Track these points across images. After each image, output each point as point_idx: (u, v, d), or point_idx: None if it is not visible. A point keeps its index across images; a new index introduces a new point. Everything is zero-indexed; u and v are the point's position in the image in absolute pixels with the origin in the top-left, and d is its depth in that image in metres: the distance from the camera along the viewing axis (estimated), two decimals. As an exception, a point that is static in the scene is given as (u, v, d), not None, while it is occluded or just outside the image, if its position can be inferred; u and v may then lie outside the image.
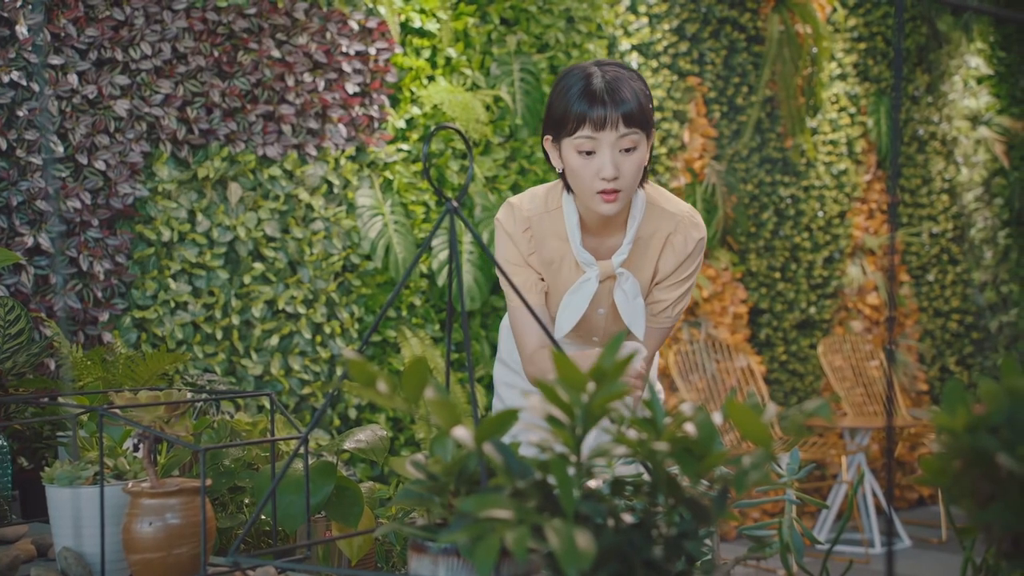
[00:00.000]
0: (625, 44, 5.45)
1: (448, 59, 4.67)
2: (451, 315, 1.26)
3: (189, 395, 1.89)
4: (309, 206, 4.22)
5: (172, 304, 3.83)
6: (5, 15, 3.38)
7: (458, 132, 1.21)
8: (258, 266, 4.04)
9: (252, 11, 3.99)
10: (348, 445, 1.73)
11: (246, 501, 1.85)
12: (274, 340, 4.09)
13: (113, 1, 3.66)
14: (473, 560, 0.92)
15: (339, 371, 4.27)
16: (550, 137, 2.19)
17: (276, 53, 4.06)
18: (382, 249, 4.35)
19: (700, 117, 5.83)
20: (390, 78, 4.42)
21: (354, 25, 4.29)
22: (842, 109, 6.57)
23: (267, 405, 3.98)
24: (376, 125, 4.41)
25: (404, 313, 4.50)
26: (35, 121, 3.44)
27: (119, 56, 3.66)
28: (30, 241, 3.41)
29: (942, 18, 6.99)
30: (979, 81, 7.27)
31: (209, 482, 1.73)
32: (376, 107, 4.39)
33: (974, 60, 7.23)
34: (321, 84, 4.18)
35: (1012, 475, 0.91)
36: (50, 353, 3.24)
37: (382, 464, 4.25)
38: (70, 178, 3.55)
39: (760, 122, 6.12)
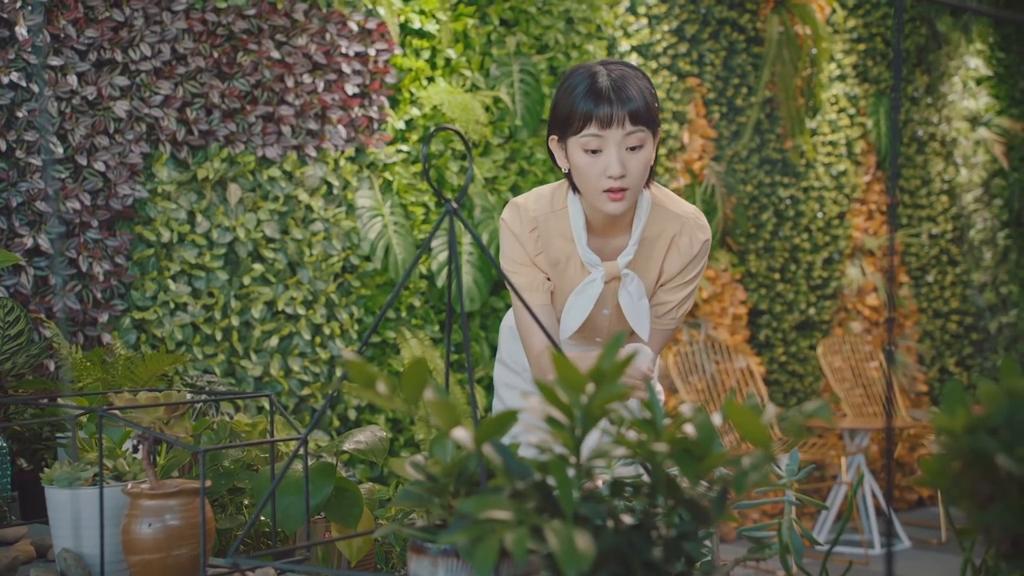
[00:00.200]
0: (625, 45, 5.45)
1: (448, 60, 4.67)
2: (451, 316, 1.26)
3: (188, 396, 1.89)
4: (309, 207, 4.22)
5: (172, 305, 3.83)
6: (5, 16, 3.38)
7: (457, 133, 1.21)
8: (258, 267, 4.04)
9: (251, 12, 3.99)
10: (347, 446, 1.73)
11: (245, 502, 1.85)
12: (273, 341, 4.09)
13: (113, 2, 3.67)
14: (473, 561, 0.92)
15: (339, 372, 4.27)
16: (555, 137, 2.18)
17: (275, 54, 4.06)
18: (382, 250, 4.35)
19: (699, 118, 5.83)
20: (390, 79, 4.42)
21: (353, 26, 4.29)
22: (841, 110, 6.57)
23: (266, 406, 3.98)
24: (376, 126, 4.41)
25: (404, 314, 4.50)
26: (35, 122, 3.44)
27: (119, 57, 3.66)
28: (30, 242, 3.41)
29: (941, 19, 6.99)
30: (978, 82, 7.27)
31: (208, 483, 1.73)
32: (376, 108, 4.39)
33: (973, 61, 7.24)
34: (321, 85, 4.18)
35: (1011, 476, 0.91)
36: (49, 354, 3.24)
37: (382, 465, 4.25)
38: (69, 179, 3.55)
39: (759, 123, 6.12)
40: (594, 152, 2.11)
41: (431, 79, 4.60)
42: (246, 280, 4.02)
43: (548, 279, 2.28)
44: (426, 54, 4.58)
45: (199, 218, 3.90)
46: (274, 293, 4.10)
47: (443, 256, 4.56)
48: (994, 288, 7.26)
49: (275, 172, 4.09)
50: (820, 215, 6.42)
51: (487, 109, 4.74)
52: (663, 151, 5.63)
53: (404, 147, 4.50)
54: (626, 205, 2.13)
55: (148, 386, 2.55)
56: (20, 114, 3.41)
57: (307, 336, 4.17)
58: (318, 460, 1.69)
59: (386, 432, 1.80)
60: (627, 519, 1.03)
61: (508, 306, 4.54)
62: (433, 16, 4.59)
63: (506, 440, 1.08)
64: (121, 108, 3.65)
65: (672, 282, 2.28)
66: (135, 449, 1.89)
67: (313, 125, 4.19)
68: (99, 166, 3.60)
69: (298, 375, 4.15)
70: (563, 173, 2.22)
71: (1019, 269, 7.28)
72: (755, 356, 6.02)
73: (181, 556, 1.55)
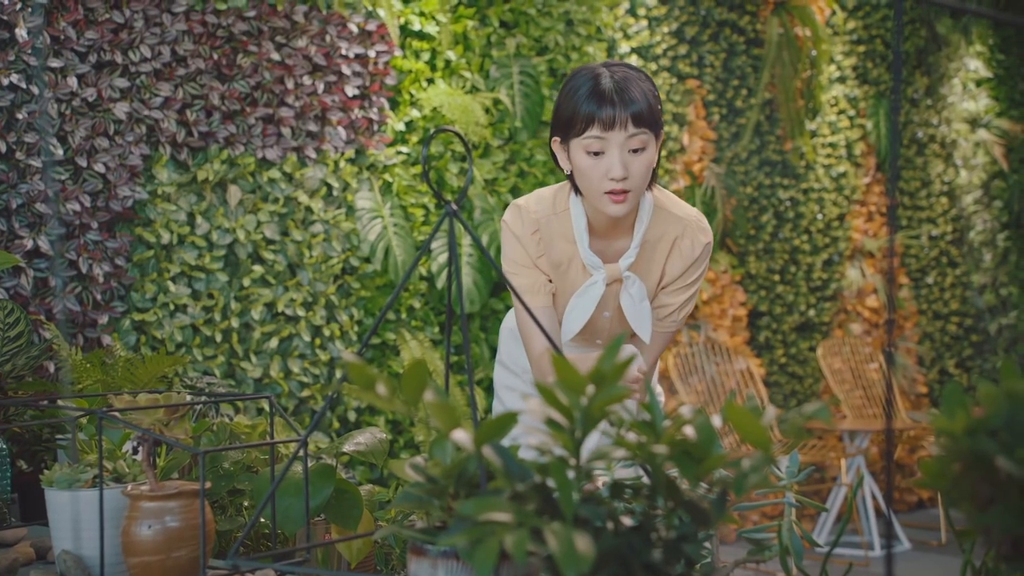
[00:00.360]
0: (624, 47, 5.45)
1: (447, 62, 4.67)
2: (450, 318, 1.26)
3: (188, 398, 1.89)
4: (308, 209, 4.22)
5: (171, 307, 3.83)
6: (5, 18, 3.39)
7: (457, 135, 1.21)
8: (257, 268, 4.04)
9: (252, 14, 3.99)
10: (347, 448, 1.73)
11: (245, 504, 1.85)
12: (273, 343, 4.09)
13: (113, 4, 3.67)
14: (472, 563, 0.92)
15: (338, 374, 4.27)
16: (558, 139, 2.18)
17: (275, 56, 4.06)
18: (381, 252, 4.35)
19: (699, 120, 5.83)
20: (389, 81, 4.42)
21: (353, 28, 4.29)
22: (841, 112, 6.57)
23: (266, 408, 3.98)
24: (375, 128, 4.41)
25: (403, 316, 4.50)
26: (35, 124, 3.44)
27: (119, 59, 3.66)
28: (29, 244, 3.41)
29: (941, 21, 7.00)
30: (978, 84, 7.28)
31: (208, 485, 1.73)
32: (375, 110, 4.39)
33: (973, 63, 7.24)
34: (320, 87, 4.18)
35: (1011, 478, 0.91)
36: (49, 356, 3.24)
37: (381, 467, 4.25)
38: (69, 181, 3.55)
39: (759, 125, 6.12)
40: (596, 154, 2.11)
41: (431, 81, 4.60)
42: (246, 282, 4.02)
43: (550, 281, 2.28)
44: (426, 56, 4.58)
45: (199, 220, 3.90)
46: (274, 295, 4.10)
47: (443, 258, 4.56)
48: (994, 290, 7.26)
49: (275, 174, 4.09)
50: (820, 217, 6.42)
51: (487, 111, 4.74)
52: (663, 153, 5.63)
53: (404, 149, 4.50)
54: (628, 207, 2.13)
55: (148, 388, 2.55)
56: (20, 116, 3.41)
57: (307, 338, 4.18)
58: (318, 462, 1.69)
59: (386, 434, 1.80)
60: (627, 521, 1.03)
61: (508, 308, 4.55)
62: (433, 18, 4.59)
63: (506, 442, 1.08)
64: (121, 110, 3.66)
65: (673, 285, 2.28)
66: (135, 451, 1.89)
67: (313, 127, 4.19)
68: (99, 168, 3.60)
69: (298, 377, 4.15)
70: (565, 175, 2.22)
71: (1019, 271, 7.28)
72: (755, 358, 6.02)
73: (181, 558, 1.55)
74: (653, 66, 5.61)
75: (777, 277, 6.20)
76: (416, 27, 4.53)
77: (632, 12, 5.52)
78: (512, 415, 1.02)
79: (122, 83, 3.66)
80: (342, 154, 4.30)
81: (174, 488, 1.58)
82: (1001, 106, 7.29)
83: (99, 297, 3.62)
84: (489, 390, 4.51)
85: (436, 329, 4.56)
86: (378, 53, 4.38)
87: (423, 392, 1.07)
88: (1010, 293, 7.27)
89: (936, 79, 7.04)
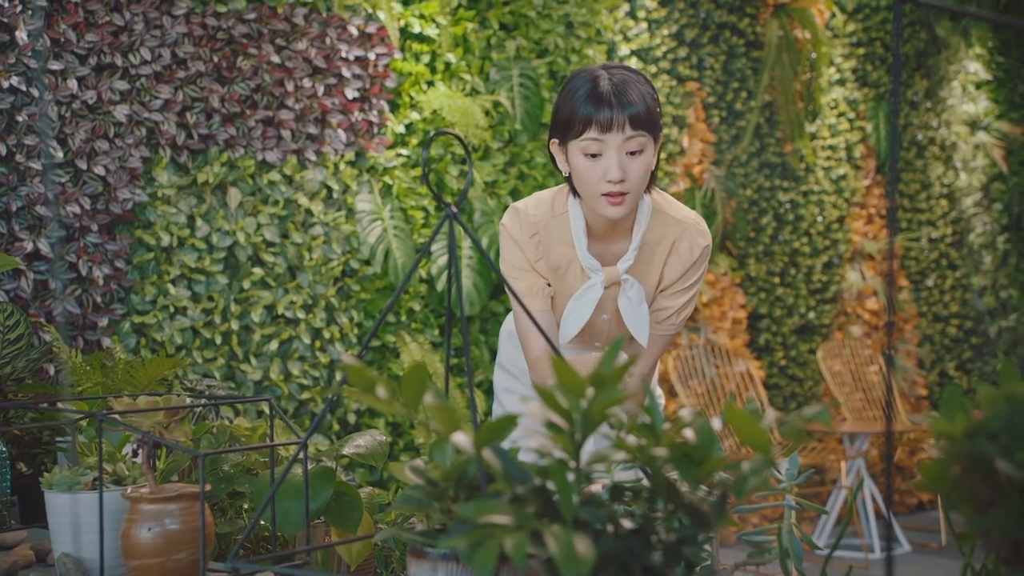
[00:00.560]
0: (624, 49, 5.45)
1: (447, 64, 4.68)
2: (450, 320, 1.26)
3: (188, 400, 1.89)
4: (308, 211, 4.22)
5: (171, 309, 3.83)
6: (5, 20, 3.39)
7: (457, 137, 1.21)
8: (257, 271, 4.04)
9: (252, 16, 4.00)
10: (347, 450, 1.73)
11: (245, 506, 1.85)
12: (273, 345, 4.09)
13: (113, 6, 3.67)
14: (472, 566, 0.92)
15: (338, 376, 4.27)
16: (556, 140, 2.18)
17: (275, 58, 4.06)
18: (381, 254, 4.35)
19: (699, 122, 5.83)
20: (389, 83, 4.42)
21: (353, 30, 4.29)
22: (841, 114, 6.57)
23: (266, 410, 3.98)
24: (375, 130, 4.41)
25: (403, 318, 4.50)
26: (35, 126, 3.44)
27: (119, 61, 3.66)
28: (29, 246, 3.41)
29: (941, 24, 7.00)
30: (978, 86, 7.28)
31: (208, 487, 1.73)
32: (375, 112, 4.40)
33: (973, 65, 7.24)
34: (320, 89, 4.19)
35: (1011, 481, 0.91)
36: (49, 358, 3.24)
37: (381, 469, 4.25)
38: (69, 183, 3.55)
39: (759, 127, 6.12)
40: (594, 156, 2.11)
41: (431, 83, 4.60)
42: (246, 284, 4.02)
43: (548, 284, 2.28)
44: (426, 58, 4.58)
45: (199, 222, 3.91)
46: (274, 297, 4.10)
47: (443, 260, 4.56)
48: (994, 292, 7.26)
49: (275, 176, 4.09)
50: (820, 219, 6.42)
51: (487, 113, 4.75)
52: (663, 155, 5.63)
53: (404, 151, 4.51)
54: (625, 210, 2.13)
55: (148, 390, 2.55)
56: (20, 118, 3.41)
57: (307, 340, 4.18)
58: (318, 464, 1.68)
59: (386, 436, 1.80)
60: (627, 523, 1.03)
61: (508, 310, 4.55)
62: (433, 20, 4.59)
63: (506, 444, 1.08)
64: (121, 112, 3.66)
65: (672, 288, 2.28)
66: (135, 453, 1.89)
67: (313, 129, 4.19)
68: (99, 170, 3.60)
69: (298, 379, 4.15)
70: (563, 177, 2.22)
71: (1019, 273, 7.29)
72: (755, 360, 6.02)
73: (181, 560, 1.55)
74: (653, 68, 5.62)
75: (777, 279, 6.20)
76: (416, 30, 4.53)
77: (632, 15, 5.53)
78: (512, 418, 1.02)
79: (122, 85, 3.66)
80: (342, 156, 4.30)
81: (174, 491, 1.58)
82: (1001, 108, 7.29)
83: (99, 300, 3.62)
84: (489, 392, 4.51)
85: (436, 331, 4.56)
86: (378, 56, 4.39)
87: (423, 394, 1.07)
88: (1010, 296, 7.27)
89: (936, 82, 7.04)
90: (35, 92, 3.44)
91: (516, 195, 4.78)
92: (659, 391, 2.50)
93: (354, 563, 1.69)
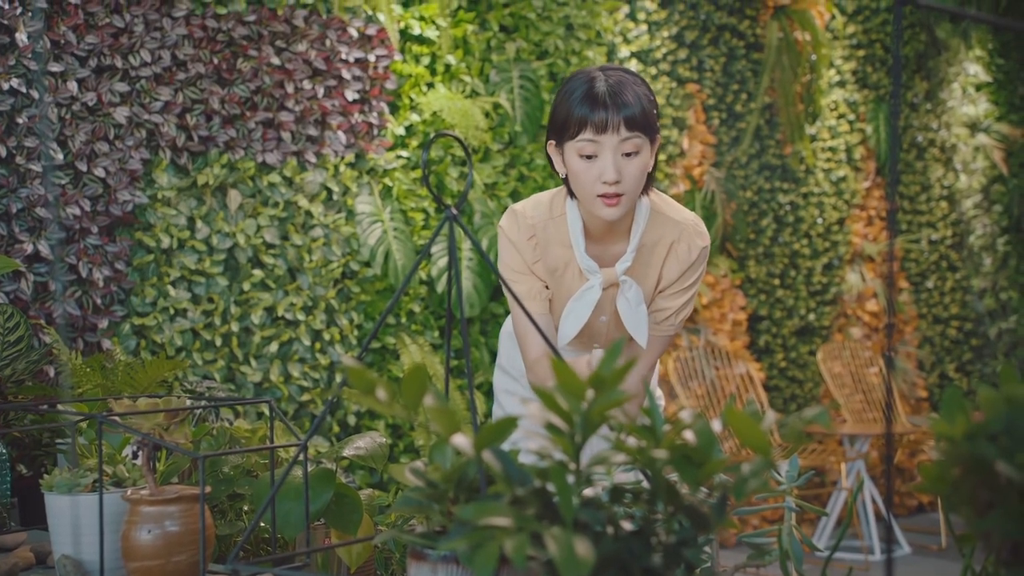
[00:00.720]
0: (624, 51, 5.45)
1: (447, 66, 4.68)
2: (450, 322, 1.26)
3: (188, 402, 1.89)
4: (308, 213, 4.22)
5: (171, 311, 3.83)
6: (5, 22, 3.39)
7: (457, 139, 1.21)
8: (257, 273, 4.04)
9: (252, 18, 4.00)
10: (347, 452, 1.73)
11: (245, 508, 1.85)
12: (273, 347, 4.09)
13: (113, 8, 3.67)
14: (472, 568, 0.92)
15: (338, 378, 4.27)
16: (553, 142, 2.19)
17: (275, 60, 4.07)
18: (381, 256, 4.35)
19: (699, 124, 5.84)
20: (389, 85, 4.42)
21: (353, 32, 4.30)
22: (841, 116, 6.57)
23: (266, 412, 3.98)
24: (375, 132, 4.42)
25: (403, 320, 4.50)
26: (35, 128, 3.45)
27: (119, 63, 3.66)
28: (29, 248, 3.41)
29: (941, 25, 7.00)
30: (978, 88, 7.28)
31: (208, 489, 1.73)
32: (375, 114, 4.40)
33: (973, 67, 7.25)
34: (320, 91, 4.19)
35: (1011, 483, 0.91)
36: (49, 360, 3.24)
37: (381, 471, 4.25)
38: (70, 185, 3.55)
39: (759, 129, 6.13)
40: (590, 157, 2.11)
41: (431, 85, 4.61)
42: (246, 286, 4.02)
43: (546, 287, 2.28)
44: (426, 60, 4.58)
45: (199, 224, 3.91)
46: (274, 299, 4.10)
47: (443, 262, 4.56)
48: (994, 294, 7.26)
49: (275, 178, 4.09)
50: (820, 221, 6.42)
51: (487, 115, 4.75)
52: (663, 157, 5.63)
53: (404, 153, 4.51)
54: (621, 211, 2.13)
55: (148, 392, 2.55)
56: (20, 120, 3.41)
57: (307, 342, 4.18)
58: (318, 466, 1.68)
59: (386, 438, 1.80)
60: (627, 525, 1.03)
61: (508, 312, 4.55)
62: (433, 22, 4.60)
63: (506, 446, 1.08)
64: (121, 114, 3.66)
65: (670, 288, 2.28)
66: (135, 455, 1.89)
67: (313, 131, 4.19)
68: (99, 172, 3.60)
69: (298, 381, 4.15)
70: (560, 178, 2.22)
71: (1019, 275, 7.29)
72: (755, 362, 6.02)
73: (181, 562, 1.55)
74: (653, 70, 5.62)
75: (777, 281, 6.20)
76: (416, 31, 4.53)
77: (632, 16, 5.53)
78: (512, 420, 1.02)
79: (122, 87, 3.67)
80: (342, 158, 4.30)
81: (174, 492, 1.58)
82: (1001, 110, 7.29)
83: (99, 301, 3.62)
84: (489, 394, 4.51)
85: (436, 333, 4.56)
86: (378, 57, 4.39)
87: (423, 396, 1.07)
88: (1010, 297, 7.27)
89: (936, 83, 7.04)
90: (35, 94, 3.45)
91: (516, 197, 4.78)
92: (659, 393, 2.50)
93: (354, 565, 1.69)
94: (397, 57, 4.46)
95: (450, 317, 1.25)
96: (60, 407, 2.32)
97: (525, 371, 2.38)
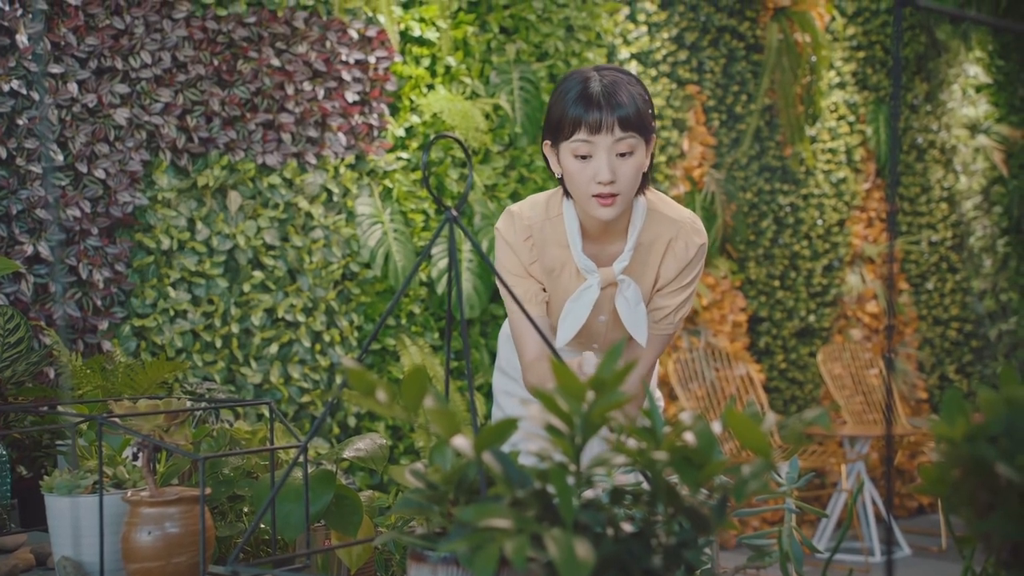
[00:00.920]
0: (624, 53, 5.46)
1: (447, 68, 4.68)
2: (450, 323, 1.26)
3: (188, 404, 1.89)
4: (308, 214, 4.22)
5: (171, 312, 3.83)
6: (5, 24, 3.39)
7: (457, 141, 1.21)
8: (257, 274, 4.04)
9: (252, 20, 4.00)
10: (347, 454, 1.73)
11: (245, 510, 1.85)
12: (273, 348, 4.09)
13: (113, 10, 3.67)
14: (472, 569, 0.92)
15: (338, 379, 4.27)
16: (549, 142, 2.19)
17: (276, 62, 4.07)
18: (381, 257, 4.35)
19: (699, 125, 5.84)
20: (390, 87, 4.42)
21: (354, 34, 4.30)
22: (841, 117, 6.57)
23: (266, 413, 3.98)
24: (376, 133, 4.42)
25: (403, 321, 4.50)
26: (35, 130, 3.45)
27: (119, 65, 3.67)
28: (30, 250, 3.41)
29: (941, 27, 7.01)
30: (978, 90, 7.28)
31: (208, 491, 1.73)
32: (376, 116, 4.40)
33: (973, 69, 7.25)
34: (321, 93, 4.19)
35: (1011, 484, 0.91)
36: (49, 362, 3.24)
37: (381, 473, 4.25)
38: (70, 187, 3.55)
39: (759, 130, 6.13)
40: (584, 157, 2.12)
41: (431, 86, 4.61)
42: (246, 287, 4.02)
43: (543, 289, 2.28)
44: (426, 62, 4.59)
45: (199, 225, 3.91)
46: (274, 300, 4.10)
47: (443, 263, 4.56)
48: (994, 295, 7.26)
49: (275, 179, 4.09)
50: (820, 222, 6.42)
51: (487, 116, 4.75)
52: (663, 158, 5.63)
53: (404, 154, 4.51)
54: (616, 211, 2.13)
55: (148, 394, 2.55)
56: (20, 122, 3.41)
57: (307, 343, 4.17)
58: (318, 467, 1.68)
59: (386, 440, 1.80)
60: (627, 527, 1.03)
61: (507, 314, 4.54)
62: (433, 24, 4.60)
63: (506, 448, 1.08)
64: (121, 115, 3.66)
65: (669, 287, 2.27)
66: (135, 457, 1.89)
67: (313, 132, 4.19)
68: (99, 173, 3.60)
69: (298, 382, 4.15)
70: (556, 179, 2.22)
71: (1019, 276, 7.29)
72: (755, 363, 6.02)
73: (181, 564, 1.55)
74: (653, 72, 5.62)
75: (777, 283, 6.20)
76: (416, 33, 4.53)
77: (632, 18, 5.53)
78: (512, 421, 1.02)
79: (122, 89, 3.67)
80: (342, 160, 4.30)
81: (174, 494, 1.58)
82: (1001, 112, 7.30)
83: (99, 303, 3.62)
84: (489, 396, 4.51)
85: (436, 335, 4.56)
86: (378, 59, 4.39)
87: (423, 398, 1.07)
88: (1010, 299, 7.27)
89: (936, 85, 7.04)
90: (35, 96, 3.45)
91: (516, 198, 4.78)
92: (659, 394, 2.50)
93: (354, 566, 1.69)
94: (397, 59, 4.46)
95: (450, 319, 1.25)
96: (60, 408, 2.32)
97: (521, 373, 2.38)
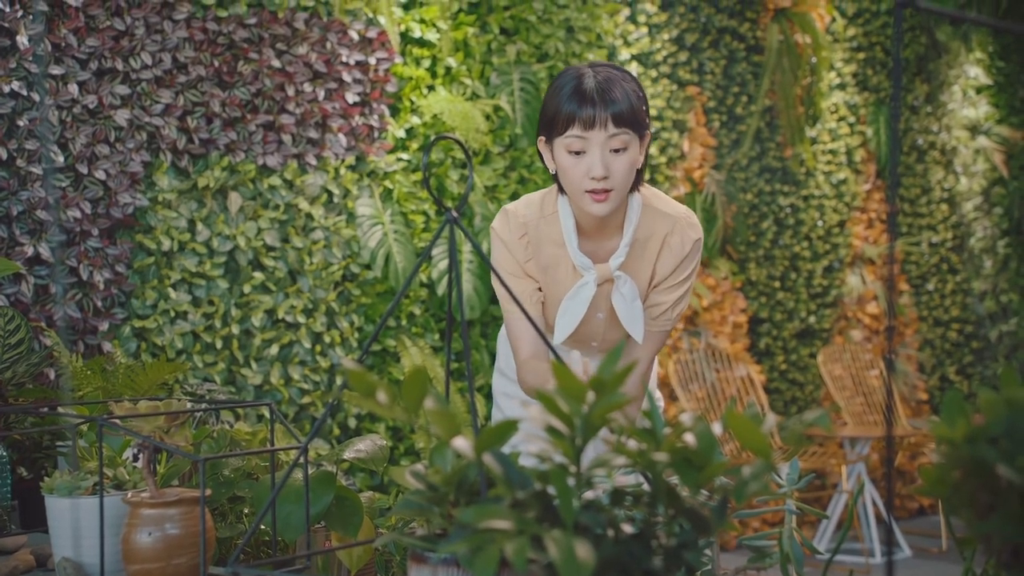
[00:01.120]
0: (625, 54, 5.46)
1: (448, 69, 4.68)
2: (451, 324, 1.26)
3: (189, 405, 1.89)
4: (309, 215, 4.22)
5: (172, 314, 3.83)
6: (6, 25, 3.39)
7: (458, 142, 1.21)
8: (258, 275, 4.05)
9: (252, 21, 4.00)
10: (348, 455, 1.73)
11: (245, 511, 1.85)
12: (274, 349, 4.09)
13: (114, 11, 3.67)
14: (473, 571, 0.92)
15: (339, 381, 4.26)
16: (543, 138, 2.20)
17: (276, 63, 4.07)
18: (382, 258, 4.35)
19: (700, 127, 5.84)
20: (390, 88, 4.43)
21: (354, 35, 4.30)
22: (841, 119, 6.57)
23: (267, 415, 3.98)
24: (376, 135, 4.42)
25: (404, 322, 4.50)
26: (35, 131, 3.45)
27: (119, 66, 3.67)
28: (30, 251, 3.41)
29: (941, 28, 7.01)
30: (978, 91, 7.28)
31: (209, 492, 1.73)
32: (376, 117, 4.40)
33: (973, 70, 7.25)
34: (321, 94, 4.19)
35: (1011, 486, 0.91)
36: (50, 363, 3.24)
37: (382, 474, 4.25)
38: (70, 188, 3.55)
39: (759, 131, 6.13)
40: (578, 153, 2.12)
41: (431, 88, 4.61)
42: (246, 288, 4.02)
43: (539, 289, 2.28)
44: (426, 63, 4.59)
45: (199, 226, 3.91)
46: (274, 301, 4.10)
47: (443, 264, 4.56)
48: (994, 296, 7.26)
49: (275, 181, 4.09)
50: (820, 223, 6.42)
51: (487, 118, 4.75)
52: (663, 159, 5.63)
53: (404, 156, 4.51)
54: (610, 207, 2.14)
55: (148, 395, 2.55)
56: (21, 123, 3.41)
57: (307, 344, 4.17)
58: (318, 469, 1.68)
59: (386, 441, 1.80)
60: (627, 528, 1.03)
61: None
62: (433, 25, 4.60)
63: (506, 449, 1.08)
64: (122, 117, 3.66)
65: (665, 283, 2.28)
66: (135, 458, 1.89)
67: (313, 134, 4.19)
68: (100, 175, 3.60)
69: (298, 384, 4.15)
70: (551, 175, 2.23)
71: (1019, 277, 7.28)
72: (755, 364, 6.02)
73: (181, 565, 1.55)
74: (653, 73, 5.62)
75: (777, 284, 6.20)
76: (417, 34, 4.53)
77: (632, 19, 5.53)
78: (513, 423, 1.02)
79: (123, 90, 3.67)
80: (342, 161, 4.30)
81: (174, 495, 1.58)
82: (1001, 113, 7.29)
83: (99, 304, 3.62)
84: (490, 397, 4.51)
85: (436, 336, 4.56)
86: (379, 60, 4.39)
87: (423, 399, 1.07)
88: (1010, 300, 7.27)
89: (936, 86, 7.04)
90: (36, 97, 3.45)
91: (516, 199, 4.78)
92: (659, 395, 2.50)
93: (354, 568, 1.69)
94: (398, 60, 4.46)
95: (450, 320, 1.25)
96: (60, 410, 2.32)
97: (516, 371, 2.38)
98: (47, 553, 1.91)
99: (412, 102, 4.54)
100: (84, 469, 1.80)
